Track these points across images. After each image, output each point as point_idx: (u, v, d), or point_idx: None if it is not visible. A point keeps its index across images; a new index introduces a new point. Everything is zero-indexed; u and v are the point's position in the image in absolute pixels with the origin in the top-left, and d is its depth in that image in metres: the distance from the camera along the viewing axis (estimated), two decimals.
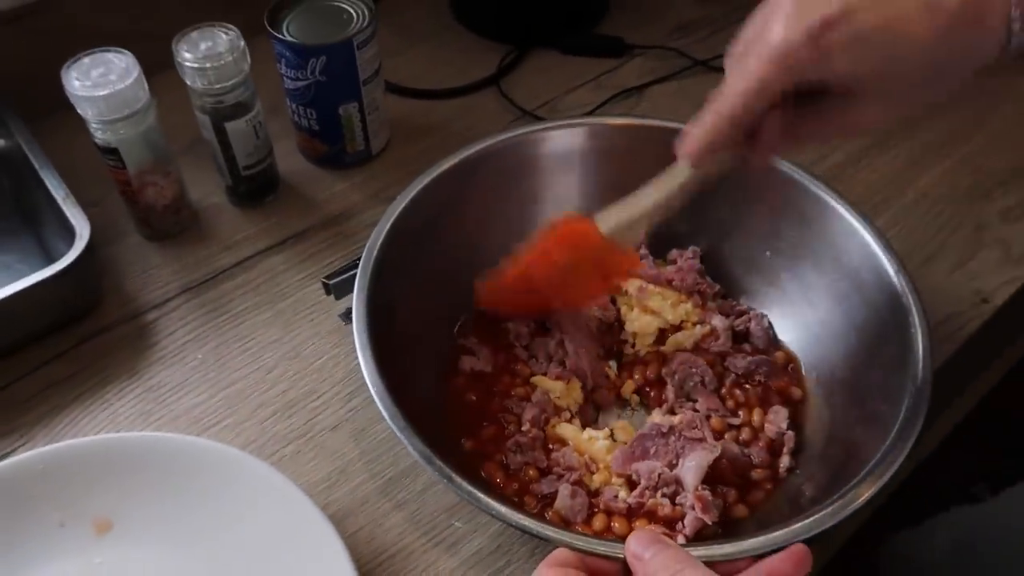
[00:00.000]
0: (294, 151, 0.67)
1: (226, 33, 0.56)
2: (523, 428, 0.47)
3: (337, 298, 0.53)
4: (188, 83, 0.56)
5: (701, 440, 0.44)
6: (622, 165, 0.55)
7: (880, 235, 0.49)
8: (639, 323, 0.52)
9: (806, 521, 0.38)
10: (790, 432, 0.47)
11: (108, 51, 0.54)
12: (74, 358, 0.54)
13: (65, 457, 0.45)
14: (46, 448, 0.45)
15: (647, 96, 0.72)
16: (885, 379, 0.45)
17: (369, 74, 0.62)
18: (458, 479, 0.40)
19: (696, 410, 0.48)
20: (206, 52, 0.55)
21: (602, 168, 0.56)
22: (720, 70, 0.74)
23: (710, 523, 0.42)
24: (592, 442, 0.46)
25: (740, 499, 0.45)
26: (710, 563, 0.35)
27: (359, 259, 0.53)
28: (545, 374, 0.50)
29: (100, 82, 0.52)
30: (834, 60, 0.36)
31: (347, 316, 0.54)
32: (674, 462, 0.44)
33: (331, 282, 0.52)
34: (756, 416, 0.48)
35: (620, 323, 0.54)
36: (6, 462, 0.45)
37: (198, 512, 0.44)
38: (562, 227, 0.49)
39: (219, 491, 0.44)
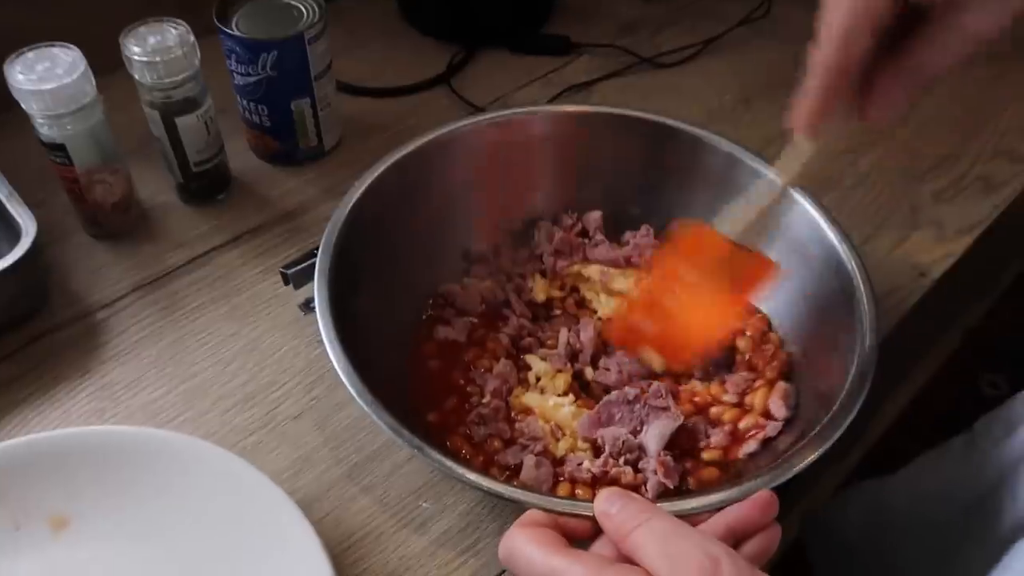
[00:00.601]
0: (245, 150, 0.67)
1: (175, 27, 0.56)
2: (484, 400, 0.47)
3: (296, 288, 0.52)
4: (137, 78, 0.55)
5: (665, 409, 0.45)
6: (582, 152, 0.57)
7: (824, 209, 0.51)
8: (609, 306, 0.53)
9: (756, 481, 0.39)
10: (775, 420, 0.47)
11: (53, 46, 0.53)
12: (22, 359, 0.53)
13: (15, 454, 0.44)
14: None
15: (596, 91, 0.74)
16: (835, 343, 0.46)
17: (320, 69, 0.62)
18: (429, 450, 0.40)
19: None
20: (155, 46, 0.54)
21: (564, 156, 0.57)
22: (665, 66, 0.77)
23: (671, 487, 0.43)
24: (557, 408, 0.46)
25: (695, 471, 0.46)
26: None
27: (316, 248, 0.53)
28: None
29: (46, 76, 0.51)
30: None
31: (306, 305, 0.53)
32: (638, 429, 0.45)
33: (289, 272, 0.51)
34: (759, 397, 0.48)
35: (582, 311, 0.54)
36: None
37: (159, 503, 0.43)
38: (685, 240, 0.46)
39: (180, 481, 0.43)
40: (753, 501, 0.36)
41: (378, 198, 0.52)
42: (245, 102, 0.63)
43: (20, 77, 0.51)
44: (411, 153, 0.54)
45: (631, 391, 0.46)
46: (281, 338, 0.54)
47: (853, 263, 0.48)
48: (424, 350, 0.51)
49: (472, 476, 0.39)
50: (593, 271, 0.55)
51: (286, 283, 0.52)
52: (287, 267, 0.52)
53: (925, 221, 0.64)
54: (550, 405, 0.47)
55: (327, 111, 0.65)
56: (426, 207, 0.55)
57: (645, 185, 0.57)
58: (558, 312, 0.54)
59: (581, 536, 0.38)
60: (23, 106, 0.52)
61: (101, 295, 0.57)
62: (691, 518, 0.37)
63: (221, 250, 0.60)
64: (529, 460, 0.44)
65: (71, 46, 0.53)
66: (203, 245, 0.60)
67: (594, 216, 0.57)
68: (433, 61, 0.75)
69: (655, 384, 0.47)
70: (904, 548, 0.64)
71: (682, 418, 0.45)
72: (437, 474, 0.48)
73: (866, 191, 0.66)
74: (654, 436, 0.44)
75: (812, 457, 0.40)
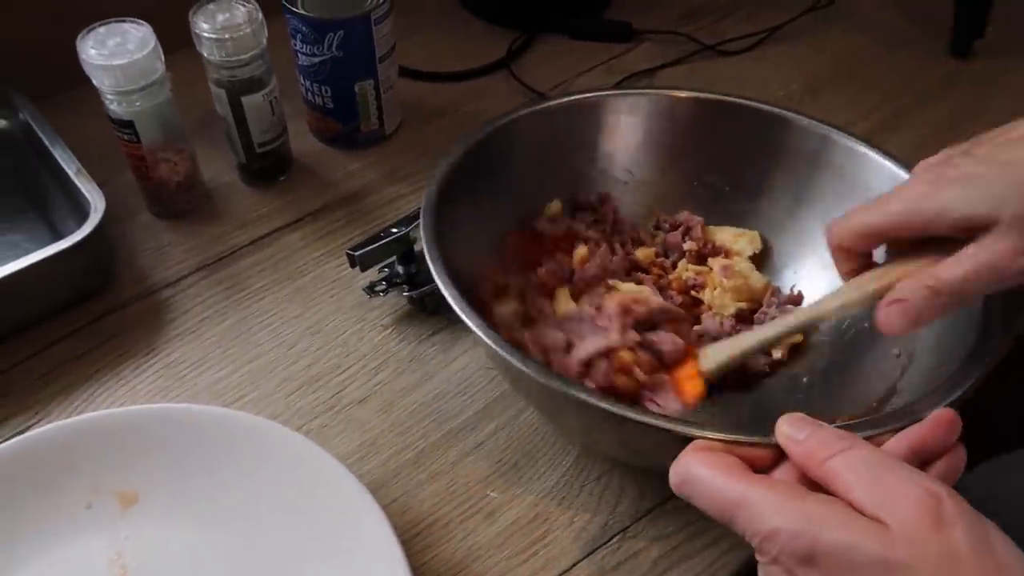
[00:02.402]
0: (305, 132, 0.66)
1: (244, 5, 0.55)
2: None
3: (363, 270, 0.52)
4: (205, 55, 0.55)
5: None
6: (685, 137, 0.55)
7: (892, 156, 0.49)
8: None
9: (930, 397, 0.36)
10: None
11: (124, 21, 0.53)
12: (89, 335, 0.53)
13: (85, 430, 0.43)
14: (65, 421, 0.44)
15: (659, 79, 0.72)
16: None
17: (385, 51, 0.61)
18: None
19: None
20: (224, 23, 0.54)
21: (664, 139, 0.55)
22: (729, 54, 0.76)
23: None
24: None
25: None
26: None
27: (383, 232, 0.52)
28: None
29: (117, 51, 0.51)
30: (951, 195, 0.35)
31: (371, 289, 0.53)
32: None
33: (356, 254, 0.51)
34: None
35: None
36: (26, 436, 0.43)
37: (228, 483, 0.43)
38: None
39: (249, 462, 0.43)
40: (936, 420, 0.33)
41: (484, 151, 0.50)
42: (308, 83, 0.62)
43: (92, 52, 0.51)
44: (523, 116, 0.52)
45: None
46: (344, 321, 0.54)
47: None
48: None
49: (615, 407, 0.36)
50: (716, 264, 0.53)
51: (352, 265, 0.51)
52: (354, 249, 0.51)
53: None
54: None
55: (389, 94, 0.64)
56: (521, 168, 0.53)
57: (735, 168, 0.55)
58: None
59: (760, 465, 0.34)
60: (94, 81, 0.52)
61: (166, 273, 0.56)
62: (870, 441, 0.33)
63: (283, 231, 0.59)
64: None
65: (142, 22, 0.53)
66: (266, 226, 0.60)
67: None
68: (492, 47, 0.74)
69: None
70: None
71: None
72: (504, 464, 0.47)
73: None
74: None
75: (992, 363, 0.38)
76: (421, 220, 0.45)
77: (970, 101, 0.70)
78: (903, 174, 0.49)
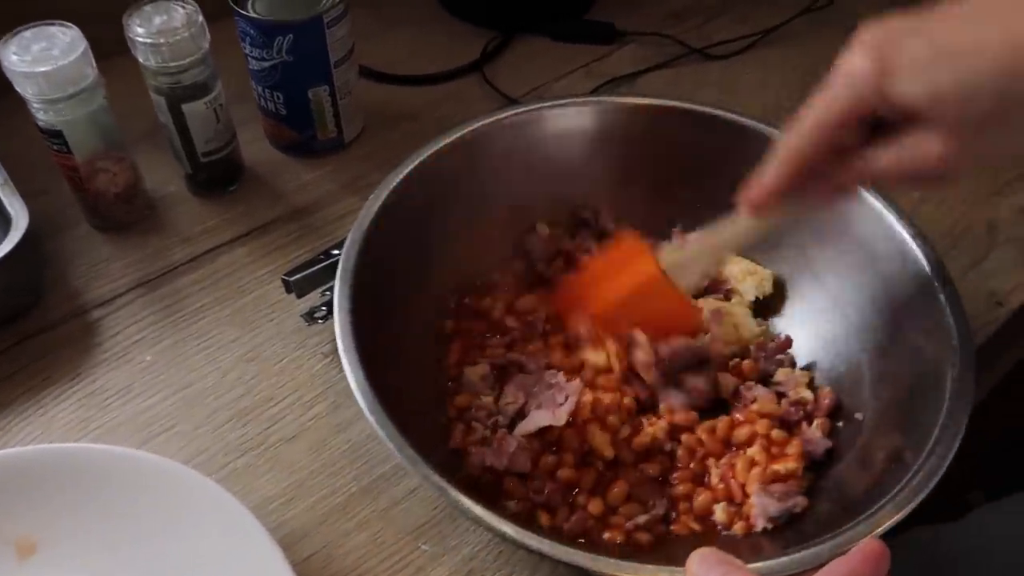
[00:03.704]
0: (261, 138, 0.63)
1: (183, 7, 0.51)
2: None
3: (298, 296, 0.48)
4: (141, 61, 0.52)
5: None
6: (632, 147, 0.52)
7: (900, 212, 0.46)
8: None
9: (858, 527, 0.34)
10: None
11: (51, 24, 0.49)
12: (11, 358, 0.50)
13: None
14: None
15: (640, 84, 0.68)
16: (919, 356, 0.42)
17: (341, 55, 0.58)
18: (436, 478, 0.35)
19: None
20: (160, 27, 0.50)
21: (610, 150, 0.52)
22: (716, 57, 0.71)
23: None
24: None
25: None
26: None
27: (322, 255, 0.49)
28: None
29: (41, 57, 0.48)
30: (897, 80, 0.34)
31: (309, 316, 0.49)
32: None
33: (291, 279, 0.47)
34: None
35: None
36: None
37: (133, 532, 0.39)
38: (618, 246, 0.47)
39: (156, 510, 0.40)
40: (862, 554, 0.29)
41: (407, 198, 0.47)
42: (260, 88, 0.59)
43: (14, 58, 0.48)
44: (445, 148, 0.49)
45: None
46: (284, 347, 0.50)
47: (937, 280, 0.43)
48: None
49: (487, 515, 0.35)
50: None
51: (288, 291, 0.48)
52: (289, 274, 0.48)
53: (1004, 240, 0.57)
54: None
55: (347, 100, 0.60)
56: (461, 208, 0.50)
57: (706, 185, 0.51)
58: None
59: None
60: (17, 89, 0.49)
61: (100, 291, 0.53)
62: None
63: (229, 246, 0.56)
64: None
65: (70, 25, 0.49)
66: (210, 241, 0.56)
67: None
68: (466, 47, 0.70)
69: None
70: None
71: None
72: (440, 511, 0.43)
73: (936, 205, 0.59)
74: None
75: (928, 488, 0.36)
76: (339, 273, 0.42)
77: None
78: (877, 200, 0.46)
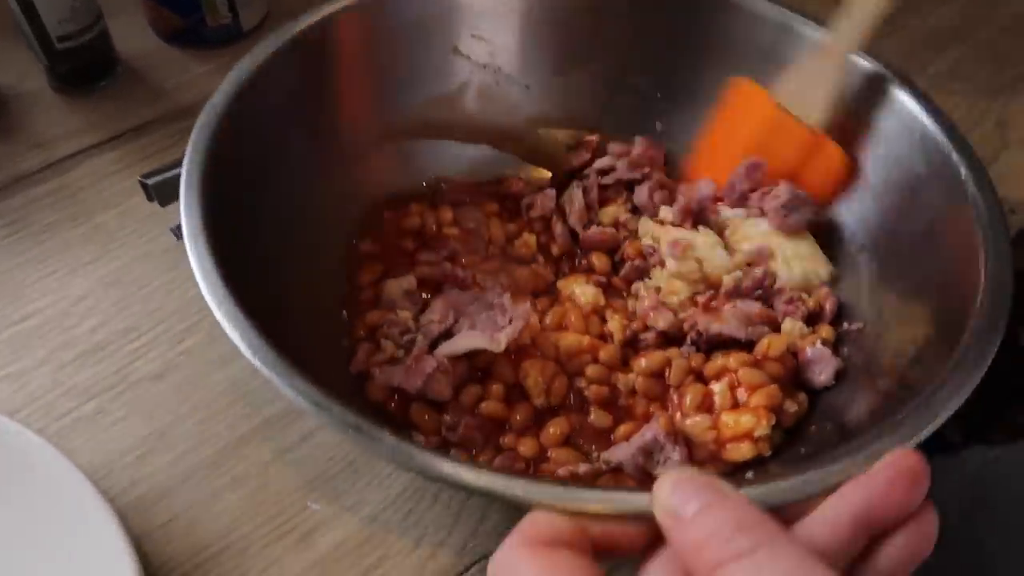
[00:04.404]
0: (144, 27, 0.53)
1: None
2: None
3: (162, 204, 0.39)
4: None
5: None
6: (573, 26, 0.42)
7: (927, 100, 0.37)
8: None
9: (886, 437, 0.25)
10: None
11: None
12: None
13: None
14: None
15: None
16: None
17: None
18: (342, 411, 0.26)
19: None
20: None
21: (546, 32, 0.43)
22: None
23: None
24: None
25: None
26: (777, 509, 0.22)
27: None
28: None
29: None
30: None
31: (179, 231, 0.40)
32: None
33: (150, 181, 0.38)
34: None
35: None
36: None
37: None
38: (732, 95, 0.40)
39: None
40: (888, 473, 0.22)
41: (273, 82, 0.38)
42: None
43: None
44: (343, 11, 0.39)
45: None
46: (152, 270, 0.41)
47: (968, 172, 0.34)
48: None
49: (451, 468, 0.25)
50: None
51: (149, 198, 0.39)
52: (148, 175, 0.38)
53: (1016, 140, 0.49)
54: None
55: None
56: (342, 89, 0.40)
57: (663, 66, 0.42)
58: None
59: (625, 552, 0.23)
60: None
61: None
62: (793, 508, 0.23)
63: (93, 152, 0.46)
64: None
65: None
66: (72, 145, 0.47)
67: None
68: None
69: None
70: (1000, 533, 0.51)
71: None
72: (336, 464, 0.35)
73: (941, 102, 0.50)
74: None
75: (968, 389, 0.27)
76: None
77: (977, 7, 0.57)
78: (888, 75, 0.37)
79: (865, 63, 0.38)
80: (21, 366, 0.38)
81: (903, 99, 0.37)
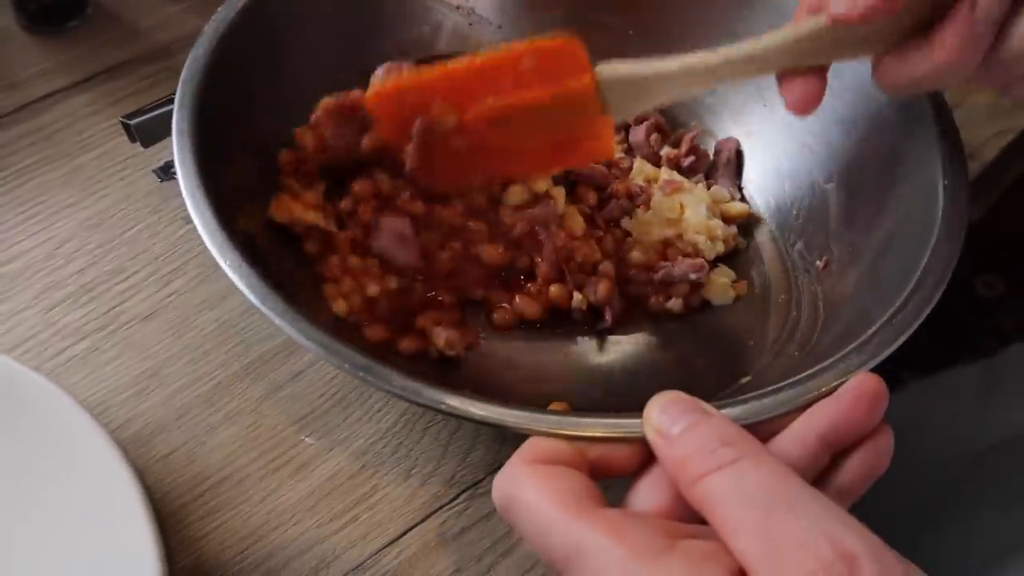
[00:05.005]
0: None
1: None
2: None
3: (144, 145, 0.39)
4: None
5: None
6: None
7: None
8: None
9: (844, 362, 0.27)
10: None
11: None
12: None
13: None
14: None
15: None
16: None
17: None
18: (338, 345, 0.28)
19: None
20: None
21: None
22: None
23: None
24: None
25: None
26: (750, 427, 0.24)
27: (175, 94, 0.39)
28: None
29: None
30: None
31: (164, 172, 0.40)
32: None
33: (132, 122, 0.38)
34: None
35: None
36: None
37: None
38: (544, 43, 0.33)
39: None
40: (853, 395, 0.24)
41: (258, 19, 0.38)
42: None
43: None
44: None
45: None
46: (136, 212, 0.41)
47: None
48: None
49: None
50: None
51: (131, 139, 0.39)
52: (130, 116, 0.38)
53: (977, 86, 0.51)
54: None
55: None
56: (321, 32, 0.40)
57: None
58: None
59: (619, 472, 0.25)
60: None
61: None
62: (761, 427, 0.25)
63: (68, 93, 0.46)
64: None
65: None
66: (44, 86, 0.46)
67: None
68: None
69: None
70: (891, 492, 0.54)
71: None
72: (327, 400, 0.36)
73: None
74: None
75: (927, 310, 0.29)
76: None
77: None
78: None
79: None
80: (10, 306, 0.38)
81: None
